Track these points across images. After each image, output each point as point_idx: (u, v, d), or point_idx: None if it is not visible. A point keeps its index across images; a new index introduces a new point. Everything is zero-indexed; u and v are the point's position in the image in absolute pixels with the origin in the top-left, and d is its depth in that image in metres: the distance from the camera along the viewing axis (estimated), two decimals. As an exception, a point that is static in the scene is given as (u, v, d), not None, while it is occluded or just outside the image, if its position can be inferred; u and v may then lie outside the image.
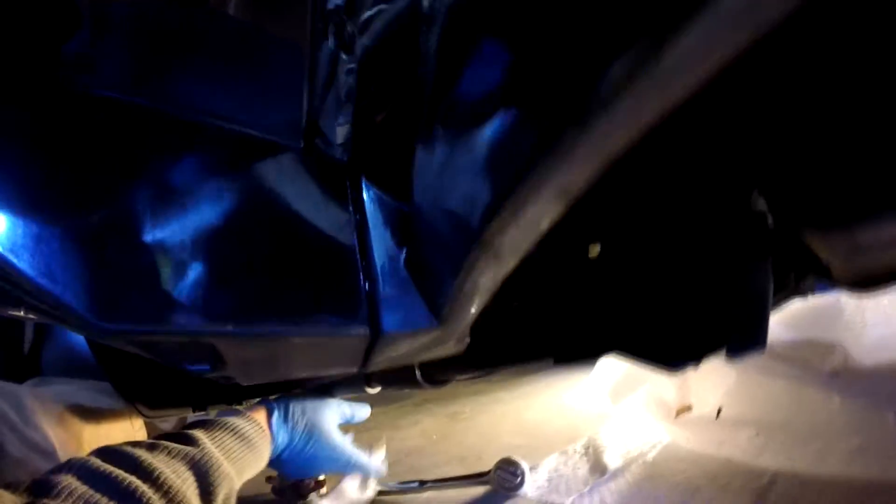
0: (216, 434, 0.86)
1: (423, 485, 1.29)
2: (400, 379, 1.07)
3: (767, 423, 1.19)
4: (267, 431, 0.97)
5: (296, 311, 0.53)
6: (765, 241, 0.61)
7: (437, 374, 1.02)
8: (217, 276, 0.50)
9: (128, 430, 1.25)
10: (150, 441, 0.78)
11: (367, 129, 0.63)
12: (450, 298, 0.56)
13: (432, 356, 0.71)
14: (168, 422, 1.80)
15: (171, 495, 0.69)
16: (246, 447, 0.89)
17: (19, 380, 1.23)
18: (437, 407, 1.84)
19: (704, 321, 0.61)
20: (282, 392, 1.10)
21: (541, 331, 0.86)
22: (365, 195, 0.62)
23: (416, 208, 0.57)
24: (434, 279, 0.58)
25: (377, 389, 1.14)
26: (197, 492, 0.75)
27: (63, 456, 1.06)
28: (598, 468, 1.27)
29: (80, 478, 0.65)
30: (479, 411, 1.67)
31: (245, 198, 0.54)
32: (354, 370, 0.66)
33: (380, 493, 1.25)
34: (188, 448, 0.78)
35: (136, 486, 0.66)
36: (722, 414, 1.27)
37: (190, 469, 0.76)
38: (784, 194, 0.59)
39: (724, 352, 0.60)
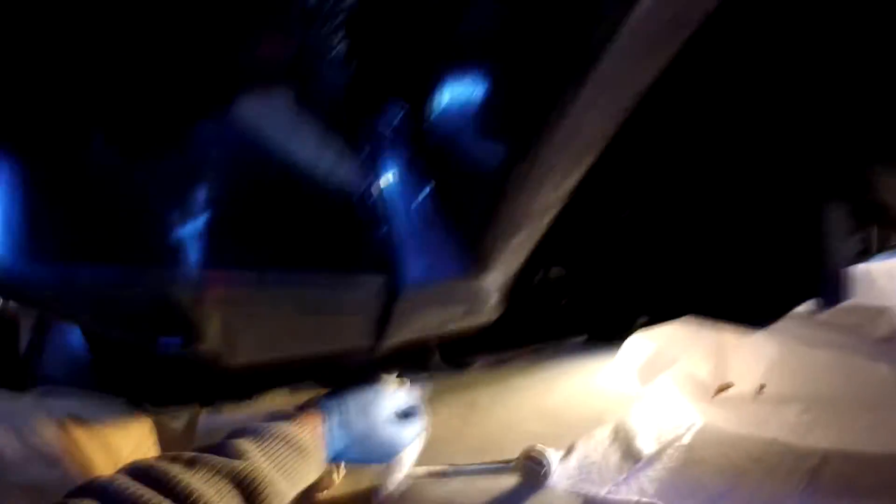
0: (266, 444, 0.76)
1: (450, 472, 1.22)
2: (417, 363, 0.98)
3: (814, 398, 1.10)
4: (322, 438, 0.87)
5: (290, 258, 0.45)
6: (839, 180, 0.53)
7: (460, 355, 0.94)
8: (208, 222, 0.42)
9: (135, 437, 1.20)
10: (190, 455, 0.69)
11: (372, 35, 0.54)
12: (490, 236, 0.49)
13: (462, 326, 0.62)
14: (179, 419, 1.74)
15: None
16: (299, 457, 0.79)
17: (16, 386, 1.18)
18: (452, 398, 1.76)
19: (783, 270, 0.53)
20: (290, 384, 1.02)
21: (576, 303, 0.79)
22: (374, 118, 0.53)
23: (441, 129, 0.49)
24: (469, 214, 0.50)
25: (392, 376, 1.03)
26: None
27: (69, 465, 1.00)
28: (631, 454, 1.19)
29: (102, 502, 0.58)
30: (497, 400, 1.58)
31: (233, 134, 0.45)
32: (368, 344, 0.57)
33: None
34: (233, 463, 0.69)
35: None
36: (764, 391, 1.18)
37: (235, 487, 0.67)
38: (859, 130, 0.52)
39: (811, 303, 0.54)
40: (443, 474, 1.22)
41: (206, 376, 0.95)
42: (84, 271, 0.40)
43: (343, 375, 1.03)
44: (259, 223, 0.44)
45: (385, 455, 1.00)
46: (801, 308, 0.84)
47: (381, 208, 0.49)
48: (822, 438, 1.07)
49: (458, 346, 0.91)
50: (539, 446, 1.15)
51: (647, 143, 0.48)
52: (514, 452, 1.27)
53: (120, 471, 0.64)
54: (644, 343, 1.46)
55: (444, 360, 0.93)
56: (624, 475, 1.09)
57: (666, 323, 0.70)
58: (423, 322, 0.57)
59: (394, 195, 0.50)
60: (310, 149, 0.47)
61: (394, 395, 1.02)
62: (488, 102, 0.45)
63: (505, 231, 0.49)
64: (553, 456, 1.14)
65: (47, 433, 0.99)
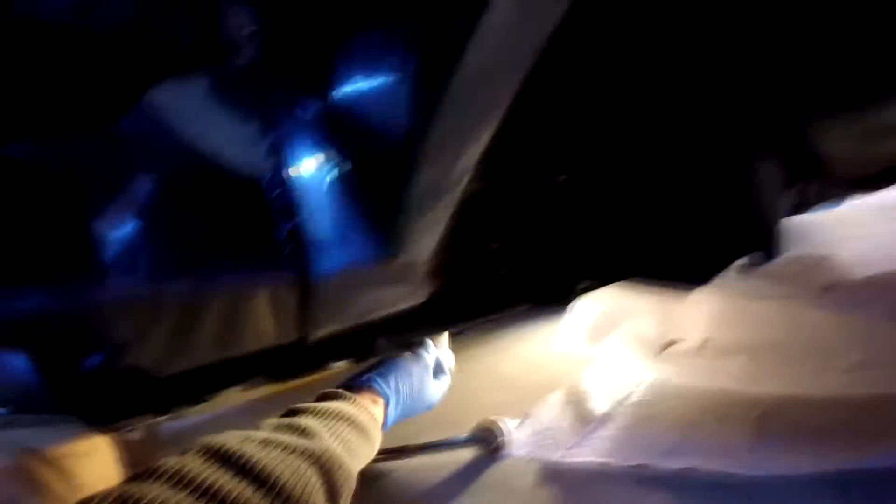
0: (334, 425, 0.73)
1: (409, 451, 1.21)
2: (363, 346, 0.96)
3: (758, 348, 1.11)
4: (379, 419, 0.87)
5: (196, 261, 0.42)
6: (770, 134, 0.53)
7: (404, 335, 0.92)
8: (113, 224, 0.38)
9: (97, 460, 1.16)
10: (263, 436, 0.65)
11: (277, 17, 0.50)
12: (401, 214, 0.47)
13: (397, 306, 0.60)
14: (135, 431, 1.69)
15: (293, 501, 0.58)
16: (363, 439, 0.78)
17: None
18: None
19: (719, 226, 0.53)
20: (240, 382, 1.00)
21: (517, 273, 0.78)
22: (279, 102, 0.49)
23: (344, 109, 0.47)
24: (378, 194, 0.48)
25: (341, 363, 1.02)
26: (324, 495, 0.64)
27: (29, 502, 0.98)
28: (584, 417, 1.20)
29: (172, 486, 0.53)
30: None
31: (135, 124, 0.41)
32: (294, 336, 0.55)
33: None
34: (307, 442, 0.66)
35: (248, 498, 0.55)
36: (710, 343, 1.19)
37: (312, 466, 0.64)
38: (792, 81, 0.51)
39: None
40: (401, 453, 1.21)
41: (148, 387, 0.92)
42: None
43: (290, 367, 1.01)
44: (166, 219, 0.41)
45: (420, 411, 1.02)
46: (742, 261, 0.84)
47: (289, 196, 0.46)
48: (768, 386, 1.09)
49: (402, 325, 0.90)
50: (493, 417, 1.15)
51: (574, 104, 0.46)
52: (471, 423, 1.27)
53: (192, 452, 0.60)
54: (591, 306, 1.47)
55: (390, 341, 0.91)
56: (578, 438, 1.10)
57: (607, 286, 0.70)
58: (351, 308, 0.54)
59: (302, 182, 0.47)
60: (213, 137, 0.44)
61: (427, 354, 1.04)
62: (384, 76, 0.43)
63: (416, 206, 0.47)
64: (508, 425, 1.14)
65: (1, 473, 0.94)
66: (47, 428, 1.10)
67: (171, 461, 0.57)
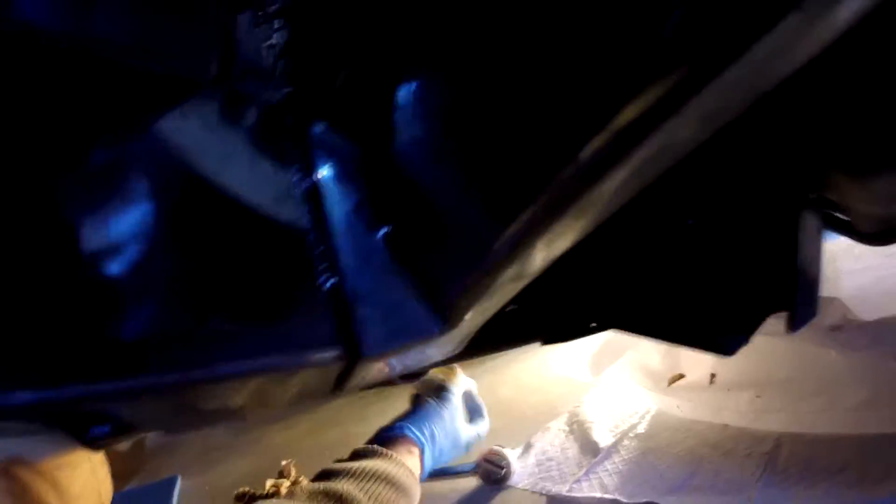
0: (371, 487, 0.71)
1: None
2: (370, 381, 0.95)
3: (766, 384, 1.11)
4: (417, 470, 0.84)
5: (224, 339, 0.38)
6: (813, 187, 0.52)
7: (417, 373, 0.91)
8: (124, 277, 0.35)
9: (85, 471, 1.14)
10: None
11: (310, 49, 0.44)
12: (464, 291, 0.42)
13: (425, 367, 0.58)
14: (124, 443, 1.67)
15: None
16: (402, 497, 0.75)
17: None
18: (403, 391, 1.74)
19: (755, 285, 0.52)
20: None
21: (533, 313, 0.76)
22: (316, 146, 0.43)
23: (403, 161, 0.42)
24: (437, 264, 0.43)
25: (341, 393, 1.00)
26: None
27: None
28: (588, 447, 1.19)
29: None
30: (448, 394, 1.58)
31: (148, 161, 0.37)
32: (323, 400, 0.52)
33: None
34: None
35: None
36: (716, 379, 1.19)
37: None
38: (816, 137, 0.50)
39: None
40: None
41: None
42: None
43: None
44: (187, 272, 0.37)
45: (460, 453, 0.98)
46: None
47: (329, 254, 0.42)
48: (775, 423, 1.08)
49: None
50: (496, 447, 1.14)
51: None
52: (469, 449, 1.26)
53: None
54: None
55: (404, 379, 0.90)
56: (584, 470, 1.09)
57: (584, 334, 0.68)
58: (382, 372, 0.52)
59: (345, 239, 0.43)
60: (240, 181, 0.40)
61: (453, 396, 1.00)
62: (474, 135, 0.37)
63: (480, 296, 0.43)
64: (511, 455, 1.13)
65: None
66: (37, 438, 1.09)
67: None
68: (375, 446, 0.81)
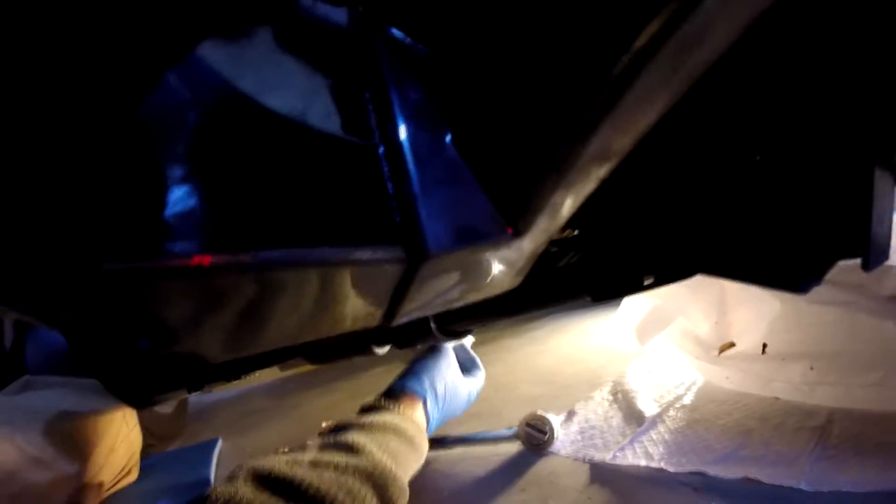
0: (381, 438, 0.71)
1: (450, 441, 1.20)
2: (412, 334, 0.93)
3: (819, 355, 1.08)
4: (423, 425, 0.84)
5: (286, 231, 0.36)
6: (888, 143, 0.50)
7: (454, 322, 0.89)
8: (183, 197, 0.33)
9: (122, 428, 1.19)
10: (311, 457, 0.64)
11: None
12: (534, 192, 0.40)
13: (479, 297, 0.55)
14: (168, 405, 1.71)
15: None
16: (410, 450, 0.75)
17: (1, 379, 1.19)
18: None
19: (825, 230, 0.50)
20: (279, 362, 0.98)
21: (579, 265, 0.74)
22: (381, 48, 0.39)
23: (471, 58, 0.40)
24: (506, 165, 0.41)
25: (385, 349, 0.98)
26: None
27: (60, 463, 1.00)
28: (632, 416, 1.17)
29: None
30: (488, 361, 1.57)
31: (201, 83, 0.35)
32: (374, 324, 0.50)
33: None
34: (357, 460, 0.65)
35: None
36: (768, 349, 1.16)
37: (366, 483, 0.62)
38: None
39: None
40: (442, 442, 1.19)
41: (193, 369, 0.90)
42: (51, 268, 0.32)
43: (336, 350, 0.98)
44: (245, 191, 0.35)
45: (461, 408, 0.99)
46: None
47: (393, 161, 0.39)
48: (827, 396, 1.05)
49: (453, 315, 0.86)
50: (540, 412, 1.13)
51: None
52: (510, 416, 1.25)
53: (241, 479, 0.58)
54: (641, 301, 1.44)
55: (440, 329, 0.88)
56: (628, 439, 1.07)
57: (675, 282, 0.66)
58: (440, 296, 0.49)
59: (411, 140, 0.40)
60: (298, 94, 0.37)
61: (449, 348, 1.01)
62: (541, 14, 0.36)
63: (549, 200, 0.41)
64: (554, 421, 1.12)
65: (36, 434, 0.96)
66: (79, 391, 1.13)
67: (222, 489, 0.55)
68: (382, 400, 0.82)
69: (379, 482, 0.63)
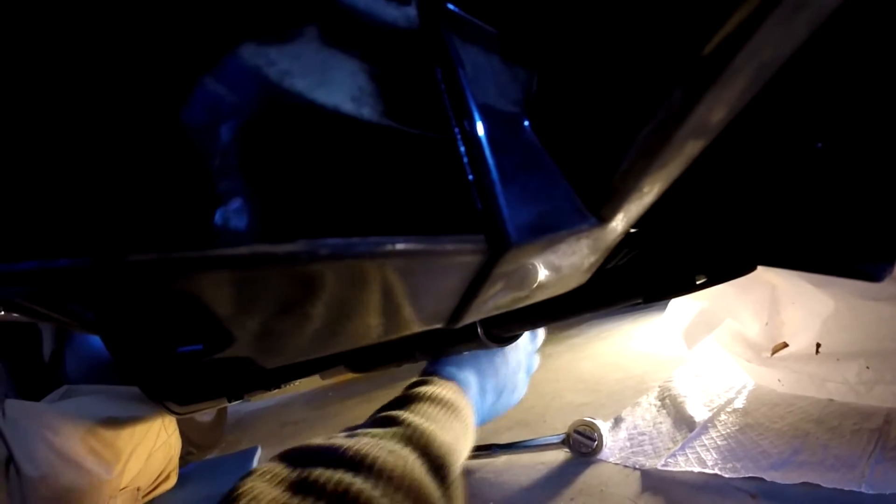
0: (417, 407, 0.68)
1: (497, 449, 1.18)
2: (458, 339, 0.90)
3: (875, 354, 1.04)
4: (467, 400, 0.78)
5: (356, 225, 0.33)
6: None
7: (502, 328, 0.86)
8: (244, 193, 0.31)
9: (160, 433, 1.19)
10: (345, 433, 0.60)
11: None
12: (623, 177, 0.37)
13: (548, 294, 0.52)
14: (207, 414, 1.72)
15: (395, 481, 0.52)
16: (452, 415, 0.70)
17: (41, 389, 1.20)
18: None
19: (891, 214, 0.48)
20: (321, 370, 0.96)
21: (630, 265, 0.72)
22: (451, 33, 0.37)
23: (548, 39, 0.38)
24: (589, 151, 0.39)
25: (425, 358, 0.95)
26: (426, 470, 0.57)
27: (97, 467, 1.01)
28: (682, 422, 1.14)
29: (268, 482, 0.49)
30: (531, 368, 1.56)
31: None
32: (438, 325, 0.47)
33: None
34: (394, 428, 0.61)
35: (349, 484, 0.49)
36: (822, 348, 1.12)
37: (407, 446, 0.58)
38: None
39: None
40: (486, 451, 1.17)
41: (235, 376, 0.89)
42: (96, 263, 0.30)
43: (379, 357, 0.96)
44: (310, 182, 0.33)
45: (511, 404, 0.93)
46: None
47: (469, 147, 0.36)
48: (884, 397, 1.02)
49: (501, 318, 0.83)
50: (587, 419, 1.11)
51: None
52: (556, 424, 1.23)
53: (276, 458, 0.55)
54: (688, 303, 1.41)
55: (488, 336, 0.85)
56: (679, 445, 1.04)
57: (729, 279, 0.64)
58: (511, 292, 0.47)
59: (488, 127, 0.37)
60: (357, 85, 0.35)
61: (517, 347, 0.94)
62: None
63: (633, 188, 0.39)
64: (603, 428, 1.10)
65: (75, 439, 0.97)
66: (118, 399, 1.14)
67: (263, 466, 0.53)
68: (417, 378, 0.78)
69: (420, 442, 0.59)
